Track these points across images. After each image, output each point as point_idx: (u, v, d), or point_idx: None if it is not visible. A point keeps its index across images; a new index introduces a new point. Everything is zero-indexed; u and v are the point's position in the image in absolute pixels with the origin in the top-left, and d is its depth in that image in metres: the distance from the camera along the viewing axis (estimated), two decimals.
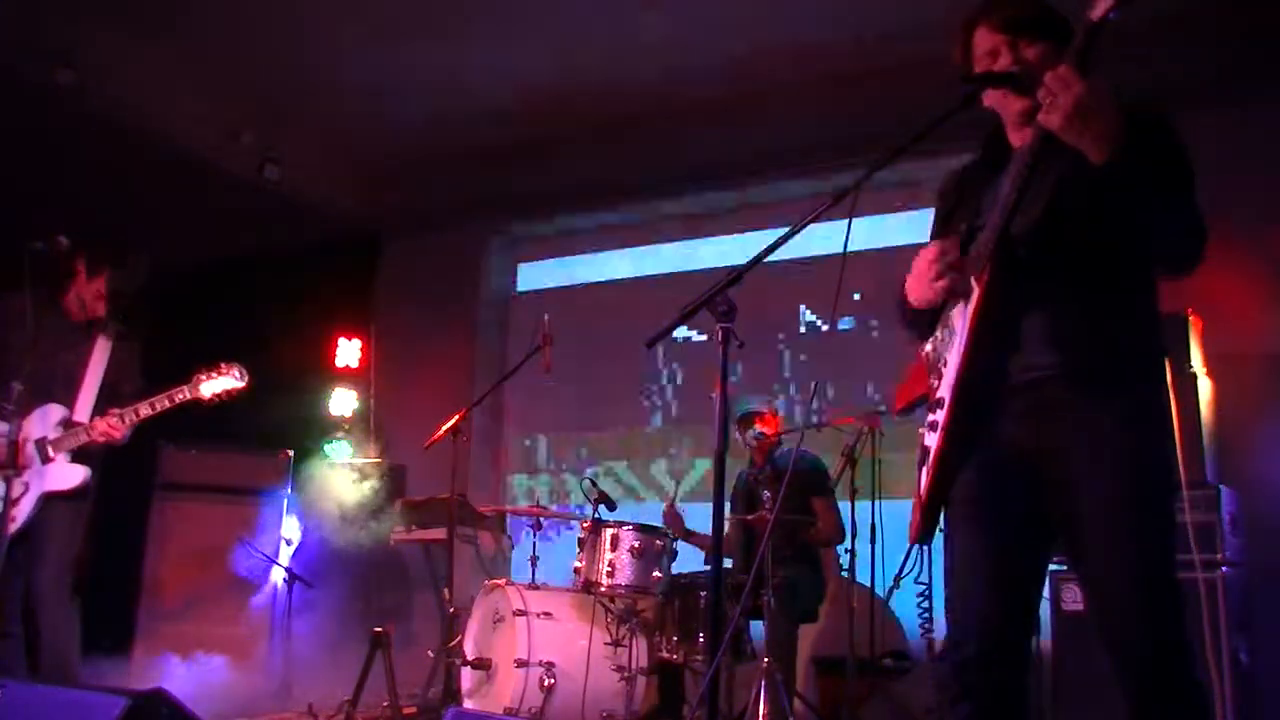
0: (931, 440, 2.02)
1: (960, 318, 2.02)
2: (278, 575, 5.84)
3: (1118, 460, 1.90)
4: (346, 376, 6.74)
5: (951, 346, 2.02)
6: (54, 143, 6.15)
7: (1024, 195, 1.96)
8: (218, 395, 3.74)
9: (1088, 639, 3.63)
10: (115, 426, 3.69)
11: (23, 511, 3.59)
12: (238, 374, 3.75)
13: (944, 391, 2.01)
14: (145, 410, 3.71)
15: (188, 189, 6.63)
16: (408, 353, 6.92)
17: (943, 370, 2.04)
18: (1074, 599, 3.87)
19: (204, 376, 3.73)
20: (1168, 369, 2.02)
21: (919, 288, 2.10)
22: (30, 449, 3.66)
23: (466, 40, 5.30)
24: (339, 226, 7.24)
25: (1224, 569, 3.80)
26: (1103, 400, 1.92)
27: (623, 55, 5.36)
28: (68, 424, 3.74)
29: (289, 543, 6.16)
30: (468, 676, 4.43)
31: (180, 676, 5.20)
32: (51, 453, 3.68)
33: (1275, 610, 4.20)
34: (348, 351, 6.84)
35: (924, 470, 2.04)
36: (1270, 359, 4.68)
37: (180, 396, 3.73)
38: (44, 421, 3.72)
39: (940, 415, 2.01)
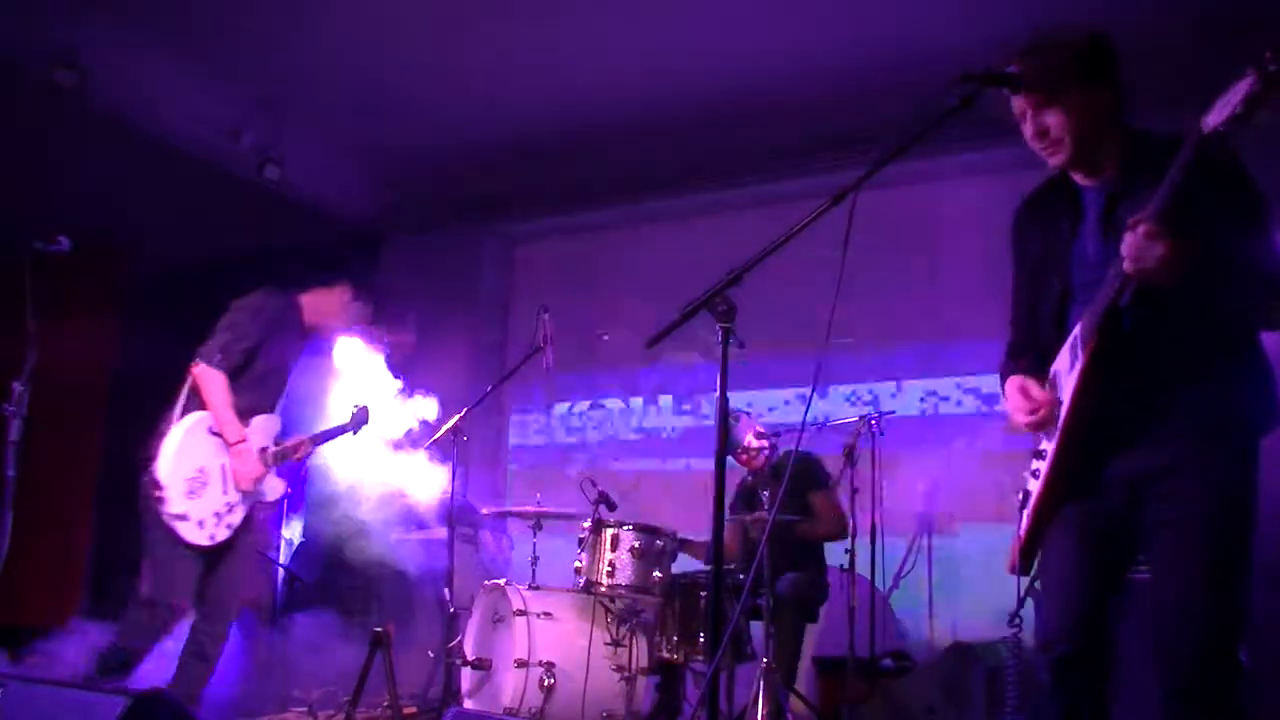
0: (1033, 486, 2.19)
1: (1066, 383, 2.13)
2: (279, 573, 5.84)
3: (1207, 490, 2.02)
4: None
5: (1062, 405, 2.13)
6: (54, 143, 6.15)
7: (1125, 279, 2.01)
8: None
9: None
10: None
11: (234, 522, 3.67)
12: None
13: (1049, 446, 2.15)
14: None
15: (188, 189, 6.63)
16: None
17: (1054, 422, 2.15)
18: None
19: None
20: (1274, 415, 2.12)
21: (1016, 422, 2.24)
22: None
23: (466, 40, 5.30)
24: (339, 226, 7.23)
25: None
26: (1205, 449, 2.04)
27: (622, 56, 5.36)
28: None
29: (289, 543, 6.16)
30: (468, 676, 4.43)
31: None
32: (270, 463, 3.79)
33: (1275, 610, 4.19)
34: (347, 351, 6.81)
35: (1025, 512, 2.21)
36: (1270, 360, 4.67)
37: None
38: (267, 431, 3.82)
39: (1043, 467, 2.16)
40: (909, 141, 2.11)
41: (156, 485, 3.47)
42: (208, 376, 3.63)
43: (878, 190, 2.23)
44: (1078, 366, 2.09)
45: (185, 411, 3.63)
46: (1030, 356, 2.29)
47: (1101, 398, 2.08)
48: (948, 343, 5.64)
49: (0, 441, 3.44)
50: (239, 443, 3.66)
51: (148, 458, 3.54)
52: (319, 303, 4.00)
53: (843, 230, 2.11)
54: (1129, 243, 1.94)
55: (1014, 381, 2.25)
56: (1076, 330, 2.13)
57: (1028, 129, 2.19)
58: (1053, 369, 2.21)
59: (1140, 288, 1.98)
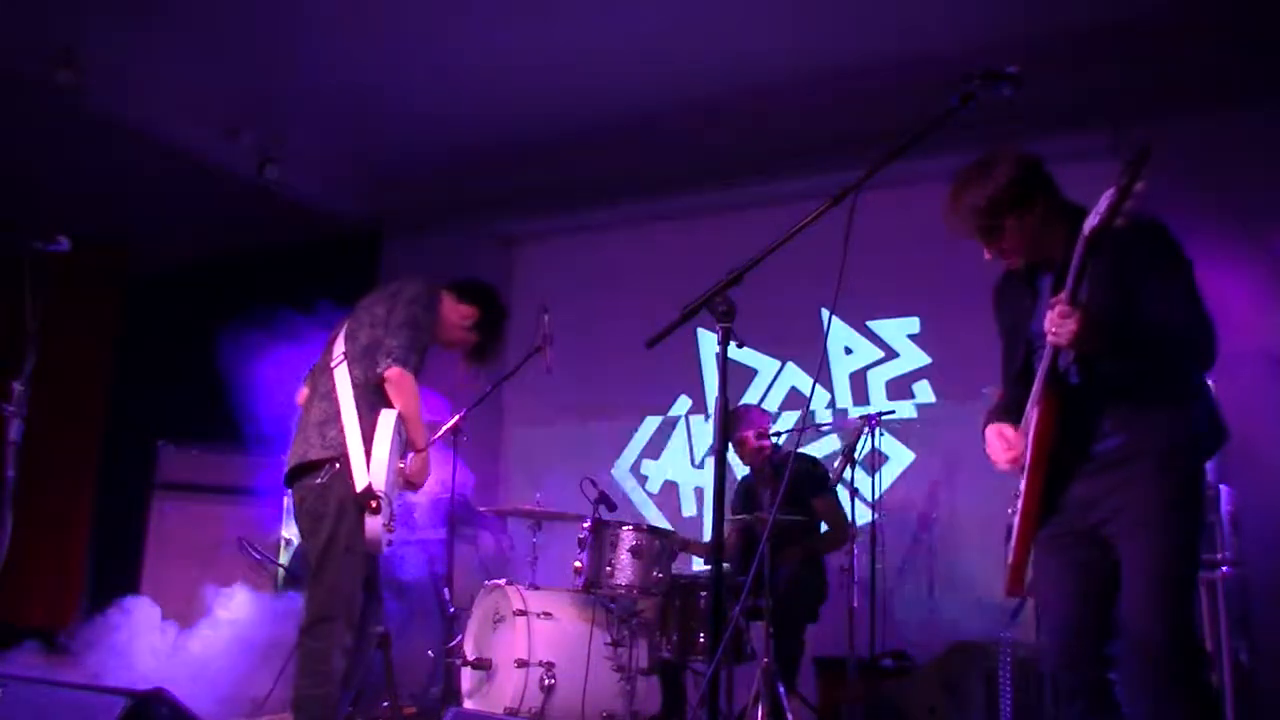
0: (1014, 522, 2.48)
1: (1030, 430, 2.43)
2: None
3: (1160, 500, 2.30)
4: None
5: (1027, 449, 2.44)
6: (54, 143, 6.15)
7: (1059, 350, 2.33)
8: None
9: None
10: None
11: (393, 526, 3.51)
12: None
13: (1022, 487, 2.45)
14: None
15: (188, 189, 6.63)
16: None
17: (1023, 464, 2.46)
18: None
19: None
20: (1218, 437, 2.42)
21: (996, 462, 2.57)
22: None
23: (466, 40, 5.30)
24: (339, 226, 7.23)
25: (1224, 569, 3.80)
26: (1147, 465, 2.33)
27: (622, 54, 5.36)
28: None
29: (289, 542, 6.16)
30: (468, 676, 4.43)
31: (180, 676, 5.20)
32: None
33: (1275, 610, 4.19)
34: None
35: (1010, 545, 2.50)
36: (1270, 359, 4.68)
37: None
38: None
39: (1019, 503, 2.45)
40: (909, 141, 2.13)
41: (375, 497, 3.28)
42: (406, 382, 3.38)
43: (878, 190, 2.24)
44: (1035, 416, 2.40)
45: (359, 413, 3.38)
46: (1012, 410, 2.57)
47: (1058, 439, 2.38)
48: (946, 342, 5.64)
49: (0, 441, 3.45)
50: (426, 449, 3.53)
51: (332, 459, 3.34)
52: (443, 308, 3.67)
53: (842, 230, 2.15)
54: (1048, 319, 2.27)
55: (992, 429, 2.59)
56: (1035, 387, 2.43)
57: (985, 251, 2.50)
58: (1024, 419, 2.49)
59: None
